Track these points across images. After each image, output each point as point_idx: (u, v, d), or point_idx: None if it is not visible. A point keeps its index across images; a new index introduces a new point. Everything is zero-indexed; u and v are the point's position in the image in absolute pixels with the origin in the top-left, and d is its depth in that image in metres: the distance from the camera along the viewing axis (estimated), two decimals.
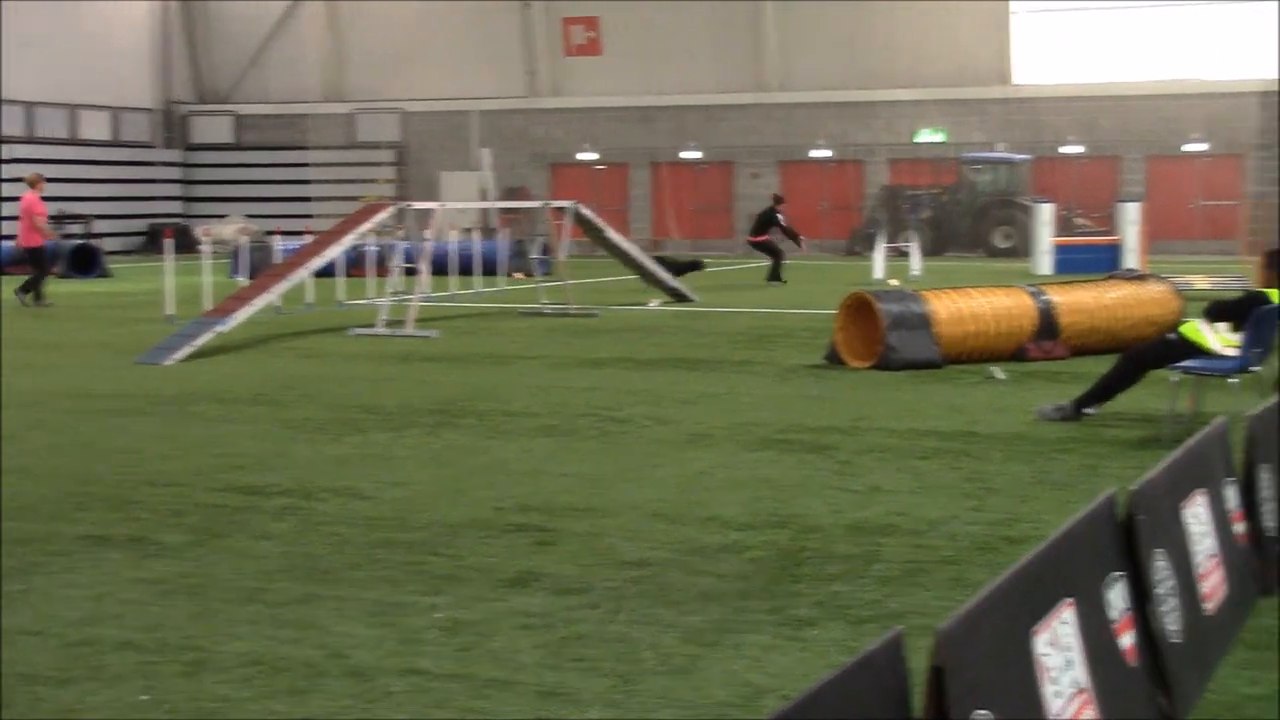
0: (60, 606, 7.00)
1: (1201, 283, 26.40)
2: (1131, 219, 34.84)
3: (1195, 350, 11.63)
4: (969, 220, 46.59)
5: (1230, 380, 11.44)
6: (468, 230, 37.51)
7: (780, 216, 34.03)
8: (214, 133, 57.02)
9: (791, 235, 34.97)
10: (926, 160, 49.93)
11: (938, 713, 3.57)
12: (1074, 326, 17.19)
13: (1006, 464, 10.57)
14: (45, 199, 28.85)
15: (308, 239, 24.48)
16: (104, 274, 36.08)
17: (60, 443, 11.73)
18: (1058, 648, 4.30)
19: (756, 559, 7.77)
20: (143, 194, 53.60)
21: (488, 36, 54.23)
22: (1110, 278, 20.15)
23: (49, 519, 8.88)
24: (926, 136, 50.34)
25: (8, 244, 35.78)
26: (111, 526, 8.65)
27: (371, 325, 20.97)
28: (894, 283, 27.79)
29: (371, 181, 53.80)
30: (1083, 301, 17.44)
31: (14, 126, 48.14)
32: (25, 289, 26.70)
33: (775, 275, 32.24)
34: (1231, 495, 6.79)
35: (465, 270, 30.84)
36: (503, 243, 33.98)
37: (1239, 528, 6.81)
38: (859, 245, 44.65)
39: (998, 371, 15.64)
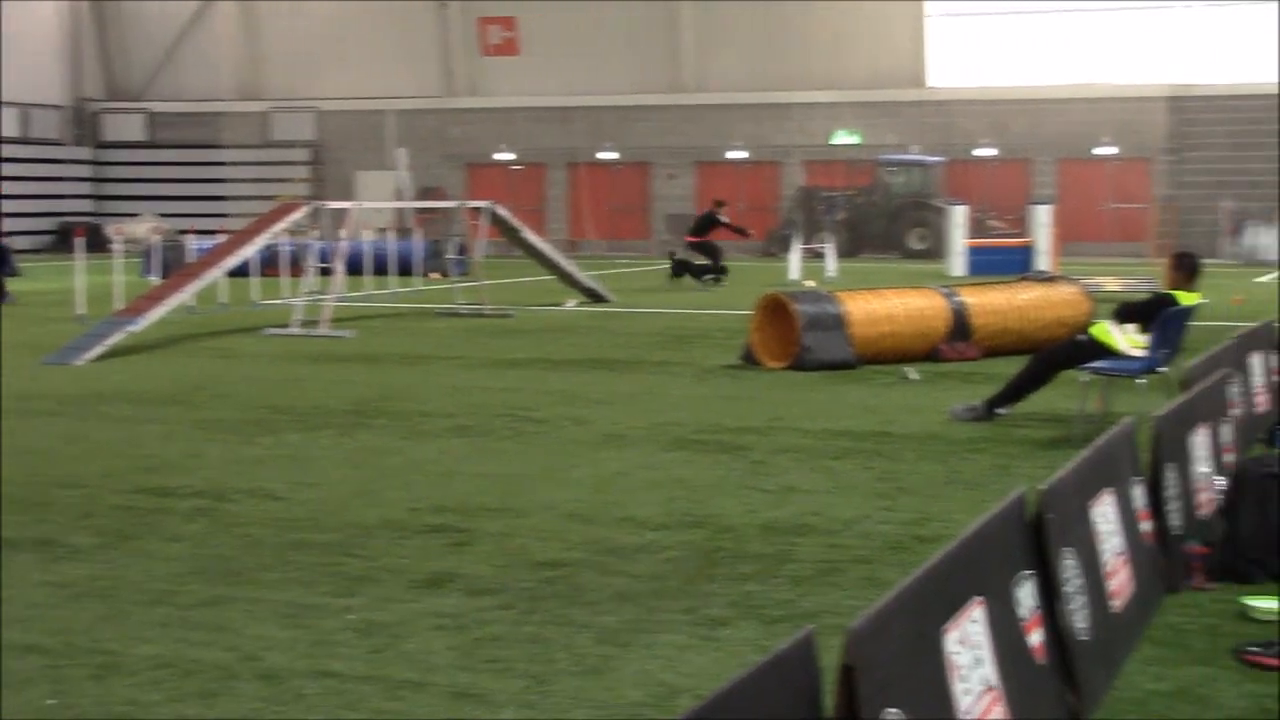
0: None
1: (1111, 284, 26.69)
2: (1043, 221, 35.24)
3: (1105, 351, 11.77)
4: (884, 222, 46.92)
5: (1138, 381, 11.59)
6: (383, 230, 37.31)
7: (723, 218, 34.06)
8: (126, 130, 56.42)
9: (739, 231, 35.08)
10: (842, 162, 50.24)
11: (848, 711, 3.60)
12: (986, 328, 17.35)
13: (919, 464, 10.65)
14: None
15: (222, 238, 24.28)
16: (13, 273, 35.56)
17: None
18: (968, 646, 4.34)
19: (671, 559, 7.78)
20: (53, 192, 52.92)
21: (404, 36, 54.01)
22: (1022, 279, 20.39)
23: None
24: (842, 138, 50.64)
25: None
26: (20, 529, 8.53)
27: (286, 325, 20.83)
28: (810, 284, 27.93)
29: (286, 181, 53.42)
30: (995, 303, 17.61)
31: None
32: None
33: (716, 273, 32.20)
34: (1138, 494, 6.88)
35: (381, 270, 30.68)
36: (418, 243, 33.83)
37: (1145, 526, 6.90)
38: (775, 246, 44.84)
39: (912, 372, 15.76)
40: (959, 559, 4.50)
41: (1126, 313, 11.90)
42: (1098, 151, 48.01)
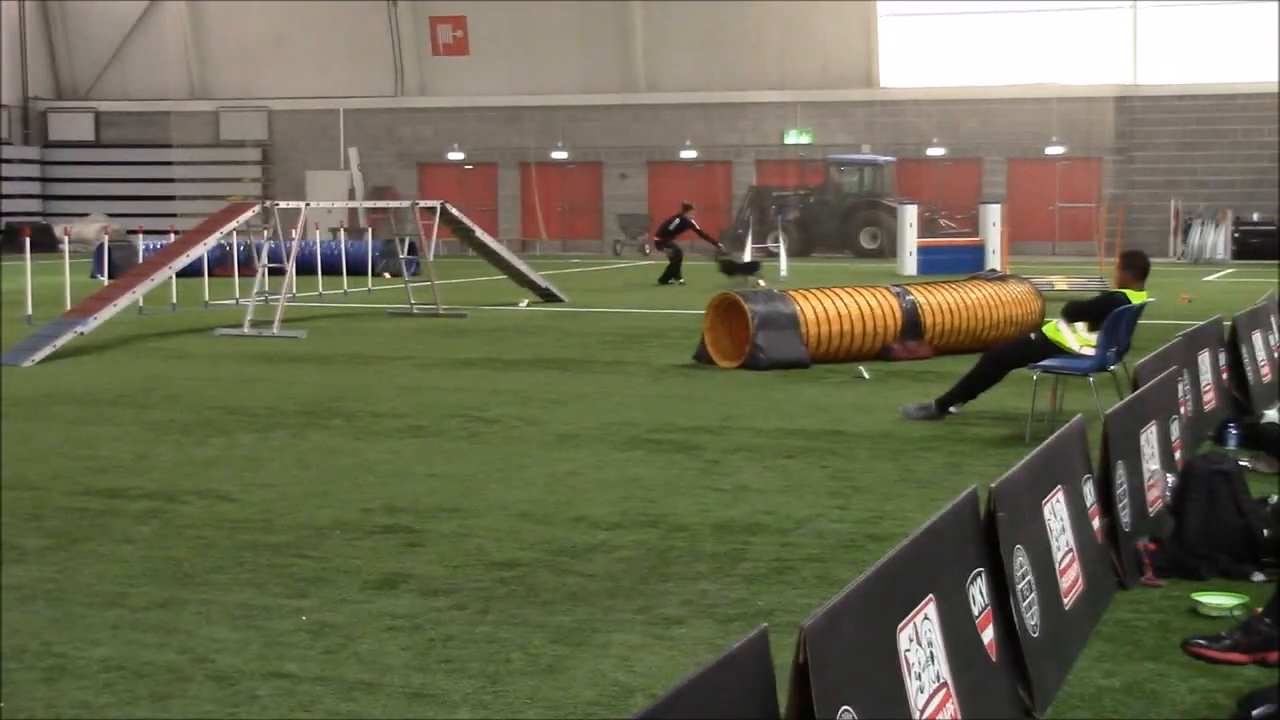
0: None
1: (1061, 283, 26.87)
2: (993, 220, 35.42)
3: (1055, 349, 11.84)
4: (836, 221, 47.08)
5: (1089, 379, 11.67)
6: (334, 230, 37.18)
7: (693, 222, 34.13)
8: (74, 130, 56.02)
9: (707, 238, 35.30)
10: (794, 162, 50.37)
11: (802, 709, 3.61)
12: (938, 326, 17.43)
13: (872, 462, 10.69)
14: None
15: (171, 238, 24.13)
16: None
17: None
18: (920, 643, 4.36)
19: (625, 558, 7.79)
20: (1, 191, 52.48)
21: (355, 35, 53.84)
22: (973, 278, 20.47)
23: None
24: (793, 138, 50.77)
25: None
26: None
27: (237, 326, 20.72)
28: (762, 283, 27.98)
29: (237, 180, 53.16)
30: (946, 302, 17.69)
31: None
32: None
33: (672, 275, 32.37)
34: (1089, 491, 6.93)
35: (332, 270, 30.57)
36: (370, 243, 33.72)
37: (1096, 523, 6.95)
38: (727, 246, 44.92)
39: (864, 371, 15.81)
40: (912, 557, 4.52)
41: (1075, 311, 11.97)
42: (1048, 151, 48.30)
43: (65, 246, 24.65)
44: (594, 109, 52.15)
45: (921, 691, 4.27)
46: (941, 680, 4.44)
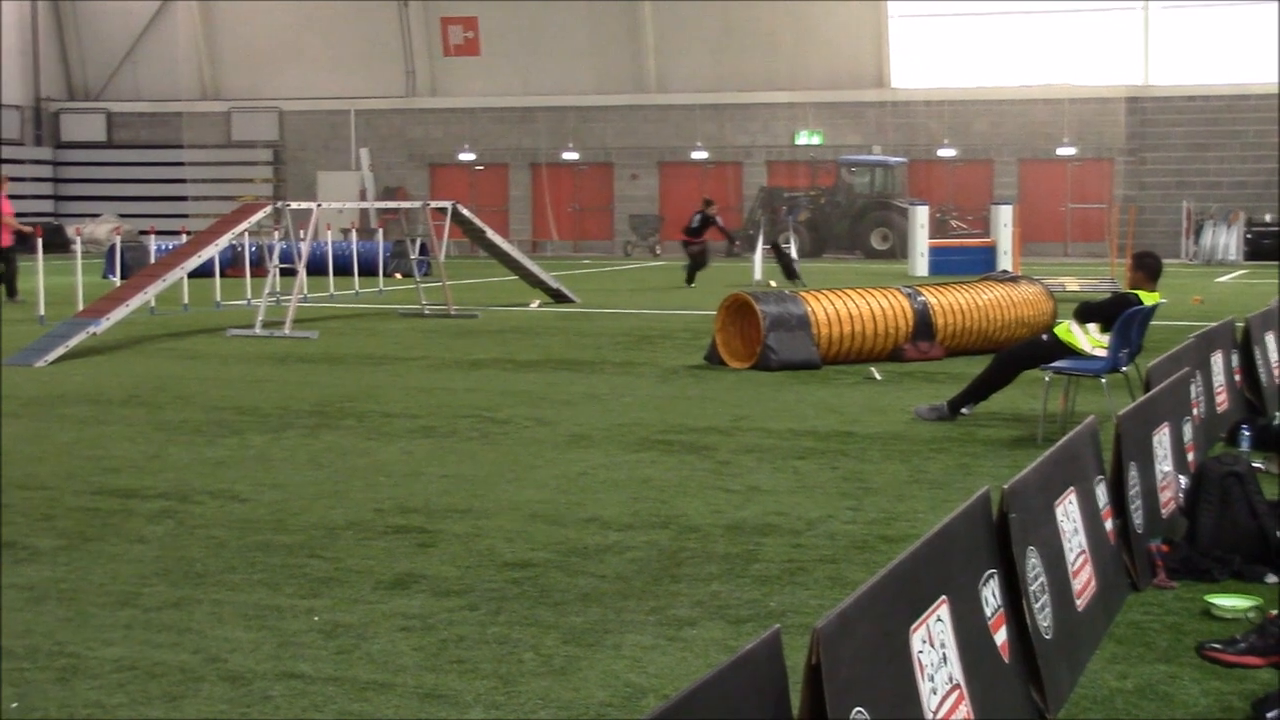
0: None
1: (1073, 284, 26.84)
2: (1005, 221, 35.37)
3: (1067, 351, 11.83)
4: (847, 222, 47.05)
5: (1101, 380, 11.65)
6: (346, 230, 37.22)
7: (717, 218, 33.99)
8: (86, 130, 56.12)
9: (728, 235, 35.30)
10: (805, 162, 50.34)
11: (815, 710, 3.61)
12: (949, 327, 17.42)
13: (883, 463, 10.68)
14: None
15: (183, 239, 24.17)
16: None
17: None
18: (933, 645, 4.35)
19: (637, 559, 7.79)
20: (12, 192, 52.51)
21: (366, 36, 53.89)
22: (985, 279, 20.44)
23: None
24: (804, 139, 50.74)
25: None
26: None
27: (249, 326, 20.76)
28: (773, 284, 27.97)
29: (248, 181, 53.23)
30: (958, 303, 17.67)
31: None
32: (11, 291, 26.57)
33: (696, 270, 32.31)
34: (1101, 493, 6.92)
35: (344, 271, 30.61)
36: (382, 243, 33.74)
37: (1109, 525, 6.94)
38: (738, 246, 44.93)
39: (875, 372, 15.80)
40: (924, 558, 4.52)
41: (1087, 312, 11.96)
42: (1059, 152, 48.24)
43: (77, 247, 24.68)
44: (605, 109, 52.16)
45: (934, 693, 4.27)
46: (954, 681, 4.44)
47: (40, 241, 24.87)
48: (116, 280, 28.48)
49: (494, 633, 6.49)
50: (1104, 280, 28.30)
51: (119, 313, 19.06)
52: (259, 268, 29.08)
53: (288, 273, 23.49)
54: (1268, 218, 44.65)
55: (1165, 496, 8.04)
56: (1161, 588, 7.17)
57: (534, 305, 26.13)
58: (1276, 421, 11.34)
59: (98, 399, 14.22)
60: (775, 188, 49.44)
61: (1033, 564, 5.48)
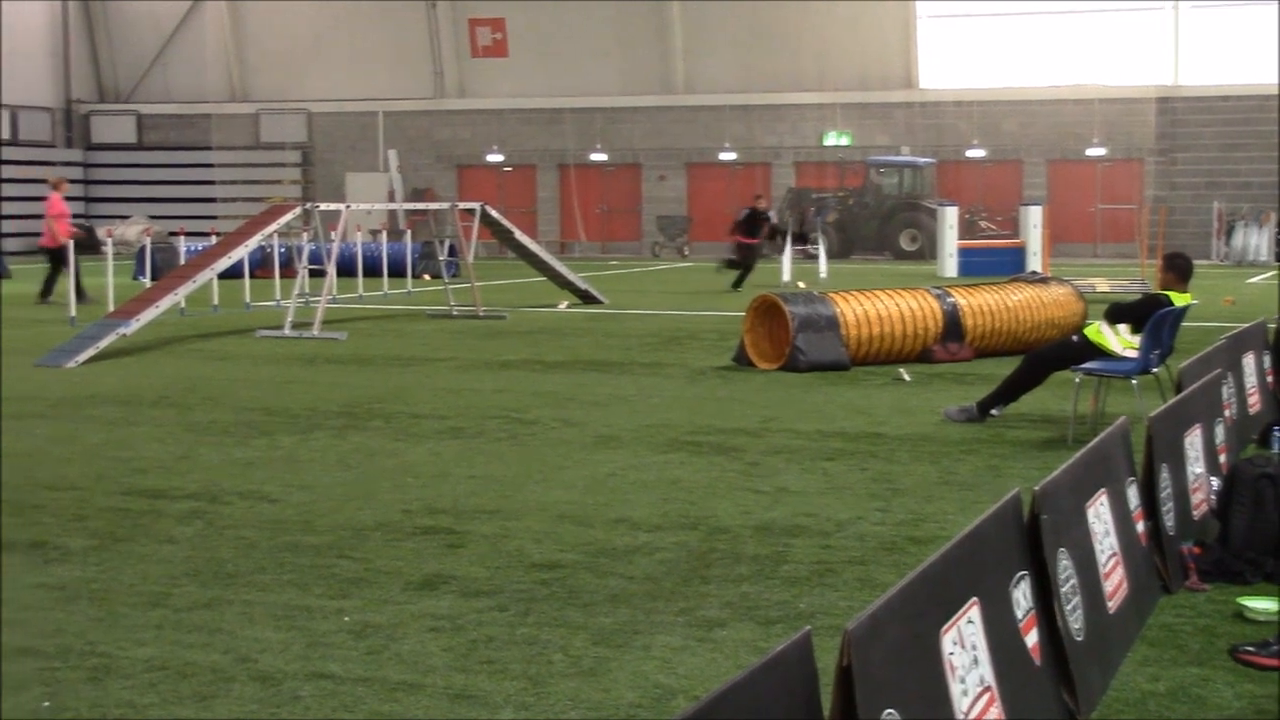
0: None
1: (1103, 285, 26.75)
2: (1034, 222, 35.25)
3: (1098, 352, 11.78)
4: (875, 223, 46.94)
5: (1132, 381, 11.60)
6: (374, 232, 37.30)
7: (770, 214, 33.20)
8: (116, 132, 56.34)
9: (776, 233, 34.74)
10: (833, 163, 50.25)
11: (846, 712, 3.60)
12: (979, 328, 17.37)
13: (913, 465, 10.66)
14: None
15: (213, 240, 24.25)
16: (4, 274, 35.55)
17: None
18: (964, 647, 4.34)
19: (666, 560, 7.78)
20: (43, 194, 52.77)
21: (394, 37, 53.98)
22: (1014, 280, 20.38)
23: None
24: (832, 140, 50.66)
25: None
26: (12, 531, 8.51)
27: (278, 327, 20.81)
28: (801, 285, 27.93)
29: (277, 183, 53.39)
30: (987, 304, 17.62)
31: None
32: (46, 292, 26.82)
33: (743, 273, 31.24)
34: (1133, 495, 6.89)
35: (372, 272, 30.67)
36: (410, 244, 33.81)
37: (1140, 527, 6.91)
38: (766, 247, 44.85)
39: (904, 373, 15.76)
40: (955, 560, 4.50)
41: (1118, 313, 11.91)
42: (1089, 153, 48.07)
43: (108, 248, 24.79)
44: (633, 110, 52.14)
45: (965, 694, 4.25)
46: (985, 683, 4.42)
47: (71, 243, 25.02)
48: (147, 281, 28.60)
49: (523, 633, 6.49)
50: (1134, 281, 28.20)
51: (149, 314, 19.14)
52: (288, 269, 29.18)
53: (316, 274, 23.56)
54: None
55: (1197, 498, 8.00)
56: (1194, 590, 7.14)
57: (562, 306, 26.15)
58: None
59: (128, 400, 14.28)
60: (803, 188, 49.35)
61: (1064, 566, 5.46)
